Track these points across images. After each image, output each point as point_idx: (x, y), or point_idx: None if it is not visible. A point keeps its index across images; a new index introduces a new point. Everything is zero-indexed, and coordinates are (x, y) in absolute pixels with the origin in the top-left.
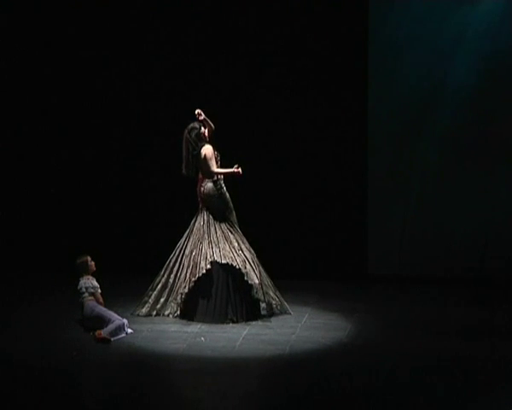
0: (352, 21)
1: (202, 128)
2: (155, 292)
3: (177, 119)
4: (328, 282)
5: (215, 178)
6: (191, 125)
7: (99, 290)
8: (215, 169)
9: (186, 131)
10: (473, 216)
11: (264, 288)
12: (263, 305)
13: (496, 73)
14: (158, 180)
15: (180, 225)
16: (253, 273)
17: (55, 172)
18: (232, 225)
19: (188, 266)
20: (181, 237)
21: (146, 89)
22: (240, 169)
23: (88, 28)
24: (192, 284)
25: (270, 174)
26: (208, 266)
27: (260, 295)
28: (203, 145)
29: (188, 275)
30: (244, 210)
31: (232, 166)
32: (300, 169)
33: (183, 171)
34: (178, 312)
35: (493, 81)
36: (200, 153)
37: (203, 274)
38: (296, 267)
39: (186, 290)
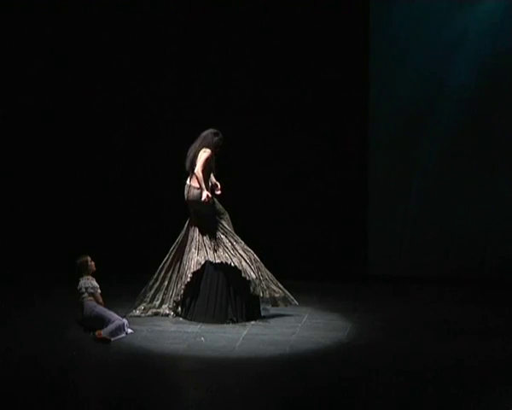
0: (353, 22)
1: (218, 147)
2: (149, 295)
3: (178, 118)
4: (328, 282)
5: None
6: (219, 133)
7: (99, 291)
8: (199, 172)
9: (211, 131)
10: (473, 216)
11: (264, 282)
12: (266, 298)
13: (496, 74)
14: (158, 180)
15: (181, 226)
16: (249, 269)
17: (55, 171)
18: (224, 228)
19: (179, 272)
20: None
21: (147, 89)
22: (208, 196)
23: (92, 31)
24: (182, 292)
25: (269, 174)
26: (197, 268)
27: (259, 291)
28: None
29: (179, 281)
30: (244, 210)
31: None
32: (301, 169)
33: (187, 166)
34: (174, 315)
35: (494, 81)
36: (199, 151)
37: (201, 275)
38: (296, 267)
39: (179, 298)
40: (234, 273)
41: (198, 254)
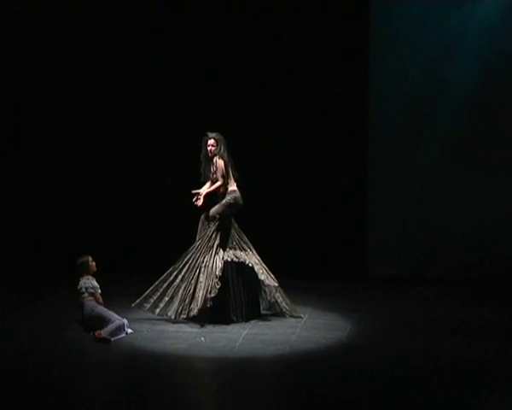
0: (353, 22)
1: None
2: (161, 290)
3: (181, 118)
4: (328, 282)
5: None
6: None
7: (99, 290)
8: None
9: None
10: (473, 216)
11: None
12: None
13: (496, 74)
14: (160, 180)
15: (181, 227)
16: (270, 277)
17: (56, 172)
18: (240, 233)
19: (197, 273)
20: (182, 237)
21: (150, 91)
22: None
23: (95, 32)
24: (212, 297)
25: (270, 174)
26: (220, 274)
27: (276, 297)
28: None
29: (206, 287)
30: (244, 210)
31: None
32: (301, 169)
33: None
34: (192, 314)
35: (494, 81)
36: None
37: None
38: (296, 267)
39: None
40: (248, 274)
41: (223, 255)
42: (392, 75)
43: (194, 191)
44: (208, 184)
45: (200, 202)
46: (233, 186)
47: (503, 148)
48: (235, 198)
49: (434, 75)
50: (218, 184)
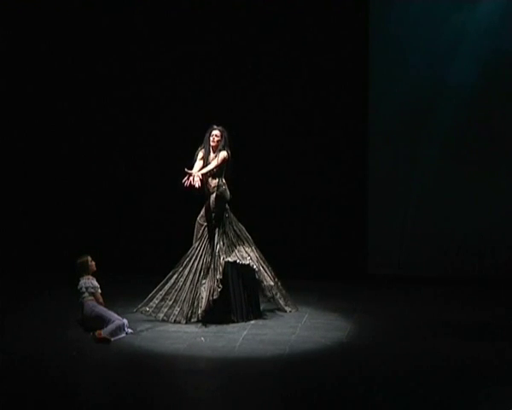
0: (353, 21)
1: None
2: (163, 294)
3: (179, 117)
4: (328, 282)
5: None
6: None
7: (99, 290)
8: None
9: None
10: (473, 216)
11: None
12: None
13: (496, 73)
14: (160, 181)
15: (181, 227)
16: (267, 275)
17: (56, 172)
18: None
19: (200, 274)
20: (182, 237)
21: (146, 90)
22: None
23: (93, 32)
24: (214, 298)
25: (270, 174)
26: (220, 277)
27: (273, 297)
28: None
29: (209, 289)
30: (244, 210)
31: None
32: (301, 169)
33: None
34: (194, 318)
35: (493, 81)
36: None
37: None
38: (296, 267)
39: (211, 305)
40: (248, 273)
41: (225, 256)
42: (392, 75)
43: (187, 170)
44: (199, 165)
45: (197, 183)
46: (223, 180)
47: (503, 148)
48: (225, 190)
49: (434, 75)
50: (213, 165)
